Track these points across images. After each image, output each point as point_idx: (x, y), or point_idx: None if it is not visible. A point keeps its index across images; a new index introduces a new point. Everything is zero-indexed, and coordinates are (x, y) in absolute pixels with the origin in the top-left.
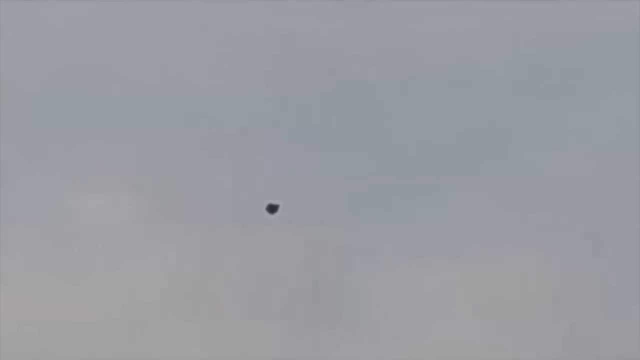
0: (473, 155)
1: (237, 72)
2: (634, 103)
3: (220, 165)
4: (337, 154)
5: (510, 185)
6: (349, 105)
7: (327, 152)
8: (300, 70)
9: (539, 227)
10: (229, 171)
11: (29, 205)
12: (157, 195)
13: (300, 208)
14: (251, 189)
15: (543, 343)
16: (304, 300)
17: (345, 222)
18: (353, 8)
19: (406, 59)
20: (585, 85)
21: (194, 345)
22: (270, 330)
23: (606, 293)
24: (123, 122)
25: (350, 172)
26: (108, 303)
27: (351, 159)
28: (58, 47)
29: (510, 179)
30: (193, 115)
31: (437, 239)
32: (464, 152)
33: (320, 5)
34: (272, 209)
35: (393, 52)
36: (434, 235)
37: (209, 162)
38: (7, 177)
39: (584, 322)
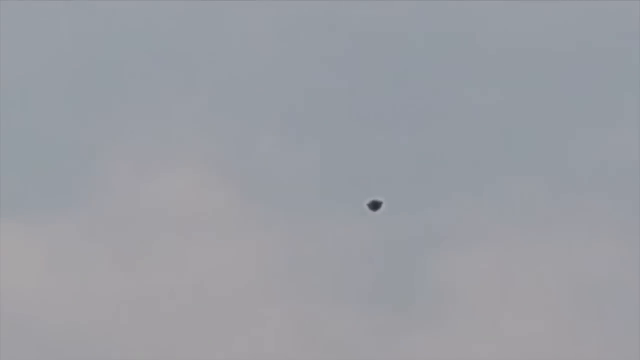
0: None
1: (308, 60)
2: None
3: (304, 153)
4: (407, 140)
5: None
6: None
7: (396, 138)
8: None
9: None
10: (314, 158)
11: (111, 192)
12: (242, 181)
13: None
14: (332, 177)
15: (626, 340)
16: (381, 285)
17: (419, 209)
18: None
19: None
20: None
21: (272, 331)
22: (346, 317)
23: None
24: (205, 107)
25: (417, 157)
26: (191, 291)
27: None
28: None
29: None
30: (276, 103)
31: (509, 223)
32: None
33: None
34: (375, 205)
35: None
36: (504, 220)
37: (293, 149)
38: (85, 160)
39: None
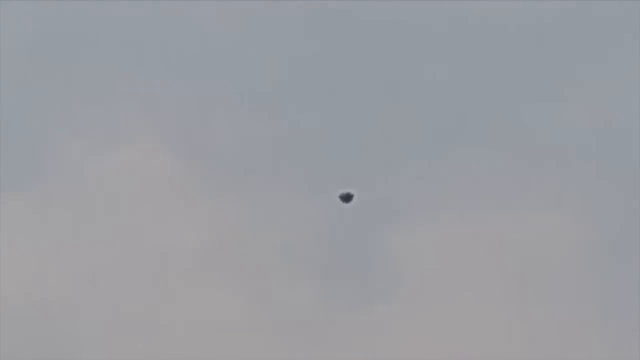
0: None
1: (267, 29)
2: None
3: (258, 125)
4: (363, 112)
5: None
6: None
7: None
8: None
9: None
10: (268, 131)
11: (66, 166)
12: (194, 154)
13: (332, 165)
14: (286, 150)
15: (573, 302)
16: (334, 257)
17: (376, 181)
18: None
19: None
20: None
21: (230, 302)
22: (303, 288)
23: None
24: (158, 83)
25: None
26: (143, 263)
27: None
28: None
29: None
30: (229, 76)
31: (463, 195)
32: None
33: None
34: (346, 198)
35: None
36: (459, 192)
37: (240, 117)
38: (39, 136)
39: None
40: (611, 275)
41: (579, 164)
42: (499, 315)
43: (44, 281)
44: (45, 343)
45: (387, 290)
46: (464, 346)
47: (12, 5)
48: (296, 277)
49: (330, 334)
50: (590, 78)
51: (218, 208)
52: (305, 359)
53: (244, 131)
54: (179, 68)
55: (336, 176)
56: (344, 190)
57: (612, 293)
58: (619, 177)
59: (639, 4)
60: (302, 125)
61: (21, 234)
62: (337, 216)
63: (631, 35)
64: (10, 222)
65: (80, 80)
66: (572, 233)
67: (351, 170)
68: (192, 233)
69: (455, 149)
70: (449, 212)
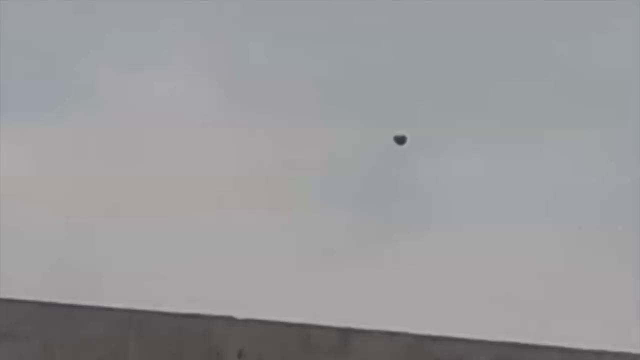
0: None
1: None
2: None
3: (294, 60)
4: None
5: None
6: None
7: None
8: None
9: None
10: (303, 67)
11: (95, 89)
12: (231, 85)
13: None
14: (321, 86)
15: (613, 234)
16: (369, 190)
17: (408, 113)
18: None
19: None
20: None
21: (264, 229)
22: (340, 221)
23: None
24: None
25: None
26: (179, 192)
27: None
28: None
29: None
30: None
31: (501, 130)
32: None
33: None
34: (400, 140)
35: None
36: (497, 125)
37: (283, 56)
38: (71, 57)
39: None
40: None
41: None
42: (534, 255)
43: (80, 206)
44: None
45: (419, 224)
46: (498, 284)
47: None
48: (328, 207)
49: (356, 263)
50: None
51: (255, 138)
52: (329, 285)
53: (279, 64)
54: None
55: (374, 109)
56: (399, 133)
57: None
58: None
59: None
60: (334, 63)
61: (57, 162)
62: (373, 147)
63: None
64: (45, 151)
65: (121, 6)
66: (610, 166)
67: (385, 102)
68: (230, 162)
69: (493, 83)
70: (486, 146)
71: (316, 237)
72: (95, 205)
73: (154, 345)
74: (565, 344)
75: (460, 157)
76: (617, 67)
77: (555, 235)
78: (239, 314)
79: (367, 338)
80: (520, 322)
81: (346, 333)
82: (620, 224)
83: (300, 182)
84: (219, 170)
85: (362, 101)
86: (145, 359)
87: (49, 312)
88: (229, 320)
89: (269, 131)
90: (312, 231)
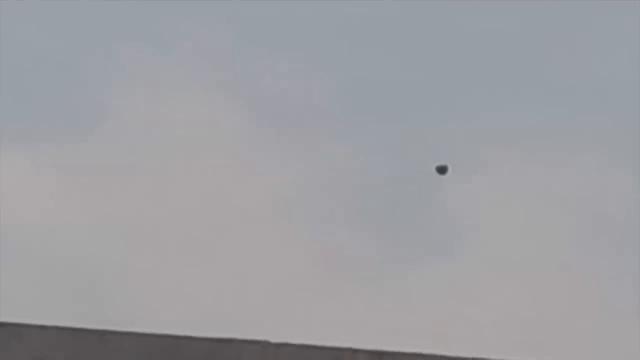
0: None
1: None
2: None
3: (316, 78)
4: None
5: None
6: None
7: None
8: None
9: None
10: (326, 84)
11: (124, 119)
12: (253, 106)
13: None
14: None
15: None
16: (393, 212)
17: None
18: None
19: None
20: None
21: (292, 252)
22: (363, 241)
23: None
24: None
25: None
26: (202, 213)
27: None
28: None
29: None
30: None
31: (528, 148)
32: None
33: None
34: (441, 170)
35: None
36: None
37: (304, 74)
38: (102, 85)
39: None
40: None
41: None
42: (566, 274)
43: (102, 231)
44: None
45: (447, 247)
46: (525, 306)
47: None
48: (351, 231)
49: (385, 287)
50: None
51: (283, 158)
52: (357, 309)
53: (301, 83)
54: (242, 19)
55: (398, 129)
56: (441, 163)
57: None
58: None
59: None
60: (356, 79)
61: (81, 185)
62: (399, 169)
63: None
64: (70, 173)
65: (146, 28)
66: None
67: (415, 123)
68: (258, 183)
69: (504, 103)
70: (513, 165)
71: (346, 259)
72: (123, 232)
73: None
74: None
75: (488, 179)
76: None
77: (594, 264)
78: (272, 338)
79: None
80: (549, 345)
81: (379, 356)
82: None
83: (326, 201)
84: (243, 191)
85: (392, 119)
86: None
87: (81, 337)
88: (262, 344)
89: (299, 150)
90: (341, 253)
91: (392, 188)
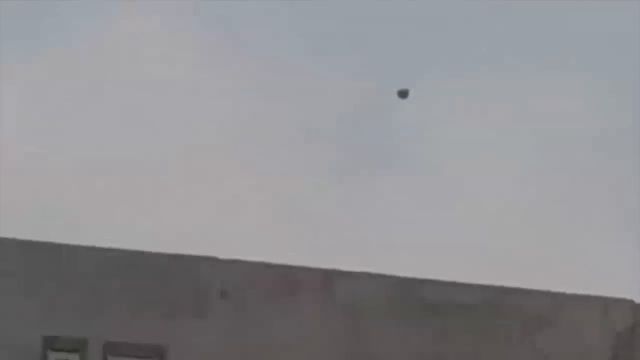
0: None
1: None
2: None
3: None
4: None
5: None
6: None
7: None
8: None
9: None
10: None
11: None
12: (222, 27)
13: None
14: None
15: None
16: (350, 131)
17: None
18: None
19: None
20: None
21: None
22: (314, 163)
23: None
24: None
25: None
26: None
27: None
28: None
29: None
30: None
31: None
32: None
33: None
34: (402, 94)
35: None
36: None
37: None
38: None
39: None
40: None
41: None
42: (509, 196)
43: (70, 153)
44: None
45: (398, 161)
46: (466, 224)
47: None
48: (311, 144)
49: (335, 197)
50: None
51: (240, 77)
52: (309, 218)
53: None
54: None
55: (357, 52)
56: (403, 87)
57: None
58: None
59: None
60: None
61: (37, 101)
62: (355, 90)
63: None
64: (25, 90)
65: None
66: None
67: (368, 48)
68: (215, 102)
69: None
70: (463, 84)
71: (299, 177)
72: (82, 150)
73: (139, 285)
74: (549, 288)
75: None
76: None
77: (541, 182)
78: (223, 255)
79: (353, 280)
80: (503, 266)
81: (331, 275)
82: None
83: (284, 121)
84: (209, 110)
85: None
86: (129, 298)
87: (35, 250)
88: (213, 260)
89: (255, 68)
90: (295, 172)
91: (348, 107)
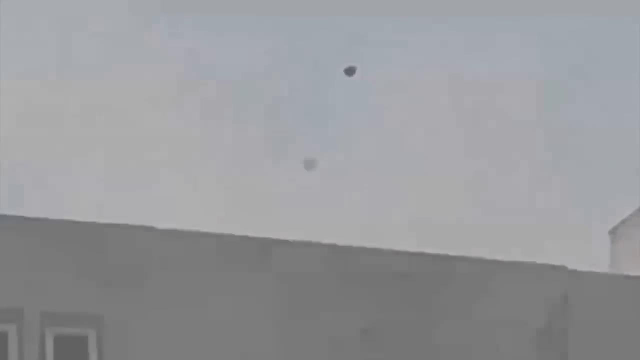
0: None
1: None
2: None
3: None
4: None
5: None
6: None
7: None
8: None
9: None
10: None
11: None
12: None
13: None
14: None
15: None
16: (285, 101)
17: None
18: None
19: None
20: None
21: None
22: (253, 130)
23: None
24: None
25: None
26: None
27: None
28: None
29: None
30: None
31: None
32: None
33: None
34: (349, 71)
35: None
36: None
37: None
38: None
39: None
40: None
41: None
42: (448, 166)
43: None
44: None
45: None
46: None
47: None
48: (246, 119)
49: (274, 173)
50: None
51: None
52: (249, 196)
53: None
54: None
55: (299, 16)
56: (350, 65)
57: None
58: None
59: None
60: None
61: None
62: (292, 55)
63: None
64: None
65: None
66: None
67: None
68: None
69: None
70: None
71: (237, 148)
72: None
73: (76, 255)
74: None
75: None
76: None
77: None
78: (161, 225)
79: (288, 248)
80: (440, 235)
81: (267, 243)
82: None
83: (226, 92)
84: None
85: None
86: (66, 268)
87: None
88: (150, 230)
89: (204, 36)
90: (234, 143)
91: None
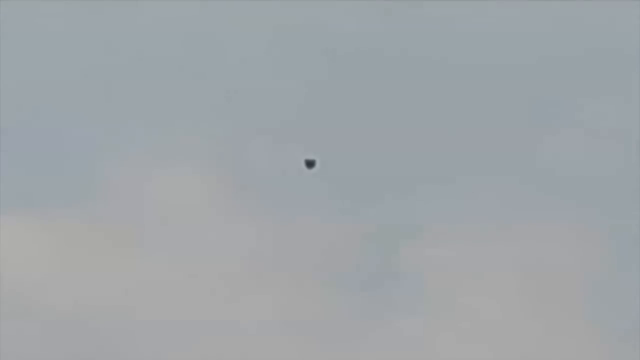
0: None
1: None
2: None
3: (289, 153)
4: (388, 143)
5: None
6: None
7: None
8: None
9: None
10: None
11: (115, 189)
12: (233, 178)
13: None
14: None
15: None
16: (359, 273)
17: (394, 203)
18: None
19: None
20: None
21: (268, 310)
22: (328, 302)
23: None
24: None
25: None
26: (184, 278)
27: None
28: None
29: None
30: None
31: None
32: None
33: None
34: (309, 164)
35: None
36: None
37: (279, 150)
38: (90, 160)
39: None
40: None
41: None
42: (519, 334)
43: (101, 294)
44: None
45: (405, 304)
46: None
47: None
48: (321, 292)
49: (353, 343)
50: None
51: (255, 226)
52: None
53: (278, 159)
54: (222, 96)
55: (358, 198)
56: (310, 157)
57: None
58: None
59: None
60: (326, 152)
61: (73, 248)
62: (360, 235)
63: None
64: (63, 240)
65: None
66: (582, 249)
67: (372, 191)
68: (232, 248)
69: (464, 175)
70: (463, 232)
71: (310, 314)
72: (111, 289)
73: None
74: None
75: (442, 244)
76: None
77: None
78: None
79: None
80: None
81: None
82: None
83: (299, 270)
84: (224, 257)
85: (350, 190)
86: None
87: None
88: None
89: (269, 220)
90: (311, 314)
91: (357, 250)
